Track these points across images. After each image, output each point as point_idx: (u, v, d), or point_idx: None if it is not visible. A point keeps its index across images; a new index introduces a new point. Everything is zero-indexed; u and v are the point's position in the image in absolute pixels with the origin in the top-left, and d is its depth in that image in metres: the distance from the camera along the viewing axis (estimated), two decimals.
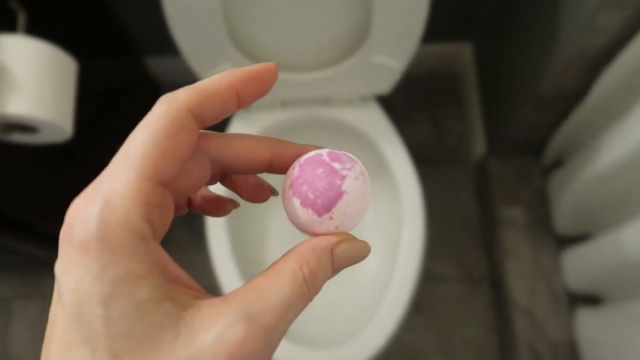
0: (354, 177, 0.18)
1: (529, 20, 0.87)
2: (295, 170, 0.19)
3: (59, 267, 0.15)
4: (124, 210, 0.15)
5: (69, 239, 0.15)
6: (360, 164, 0.19)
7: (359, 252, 0.18)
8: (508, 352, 1.03)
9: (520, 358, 0.97)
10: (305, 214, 0.18)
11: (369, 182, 0.19)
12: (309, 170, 0.18)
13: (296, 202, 0.18)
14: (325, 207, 0.17)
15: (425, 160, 1.22)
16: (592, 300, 0.96)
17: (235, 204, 0.22)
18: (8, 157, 0.69)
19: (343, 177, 0.18)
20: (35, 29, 0.62)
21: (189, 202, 0.22)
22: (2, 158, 0.68)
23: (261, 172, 0.20)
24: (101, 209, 0.14)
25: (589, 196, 0.87)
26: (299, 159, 0.19)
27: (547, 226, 1.04)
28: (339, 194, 0.17)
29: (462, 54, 1.24)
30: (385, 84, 0.81)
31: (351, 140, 0.89)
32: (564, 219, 0.99)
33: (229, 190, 0.22)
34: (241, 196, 0.22)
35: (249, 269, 0.78)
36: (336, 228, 0.18)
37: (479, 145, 1.17)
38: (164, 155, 0.16)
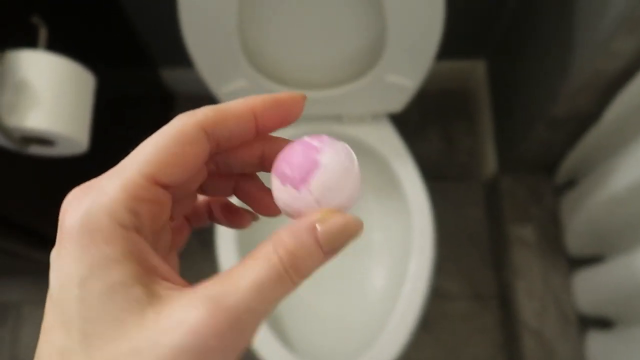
0: (333, 152, 0.17)
1: (544, 40, 0.87)
2: (278, 157, 0.18)
3: (52, 255, 0.16)
4: (109, 199, 0.15)
5: (61, 227, 0.16)
6: (348, 146, 0.18)
7: (349, 228, 0.16)
8: None
9: None
10: (284, 192, 0.17)
11: (356, 164, 0.18)
12: (288, 152, 0.18)
13: (276, 182, 0.18)
14: (302, 179, 0.17)
15: (435, 176, 1.22)
16: (603, 323, 0.95)
17: (254, 217, 0.22)
18: (20, 165, 0.70)
19: (319, 150, 0.17)
20: (55, 42, 0.63)
21: (210, 213, 0.23)
22: (14, 166, 0.69)
23: (256, 169, 0.20)
24: (92, 198, 0.15)
25: (602, 218, 0.86)
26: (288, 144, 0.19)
27: (558, 246, 1.03)
28: (315, 164, 0.17)
29: (475, 71, 1.24)
30: (398, 103, 0.82)
31: (362, 157, 0.89)
32: (575, 240, 0.98)
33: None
34: (254, 209, 0.22)
35: None
36: (318, 203, 0.17)
37: (490, 162, 1.16)
38: (166, 161, 0.16)
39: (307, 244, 0.16)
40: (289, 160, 0.17)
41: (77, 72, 0.60)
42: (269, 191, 0.21)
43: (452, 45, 1.08)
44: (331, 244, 0.16)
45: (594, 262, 0.94)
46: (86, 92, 0.62)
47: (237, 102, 0.18)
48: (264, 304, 0.15)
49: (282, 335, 0.74)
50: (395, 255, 0.84)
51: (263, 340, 0.69)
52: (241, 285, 0.15)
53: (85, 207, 0.15)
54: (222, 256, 0.77)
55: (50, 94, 0.57)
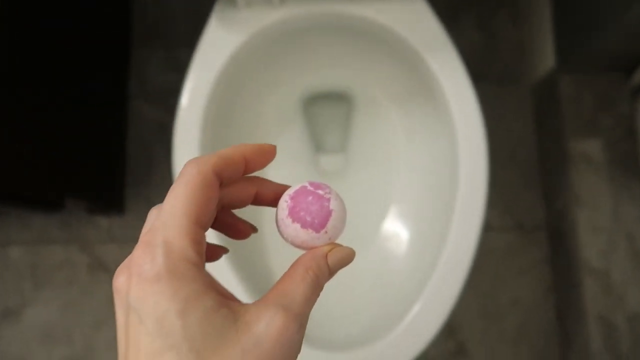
0: (334, 197, 0.23)
1: None
2: (288, 202, 0.23)
3: (135, 299, 0.19)
4: (181, 248, 0.20)
5: (141, 276, 0.19)
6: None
7: (347, 256, 0.23)
8: (571, 320, 0.84)
9: (588, 329, 0.78)
10: (306, 234, 0.22)
11: (342, 199, 0.23)
12: (301, 200, 0.22)
13: (297, 226, 0.22)
14: (321, 225, 0.22)
15: (471, 77, 0.96)
16: None
17: (254, 229, 0.26)
18: None
19: (328, 199, 0.23)
20: None
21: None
22: None
23: (245, 205, 0.24)
24: (164, 249, 0.19)
25: None
26: (286, 193, 0.23)
27: (633, 166, 0.80)
28: (329, 213, 0.22)
29: None
30: None
31: (377, 52, 0.64)
32: None
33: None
34: (228, 234, 0.26)
35: (251, 280, 0.56)
36: (329, 239, 0.23)
37: (544, 59, 0.90)
38: (200, 206, 0.20)
39: (323, 268, 0.22)
40: (306, 209, 0.22)
41: None
42: (240, 220, 0.26)
43: None
44: (335, 268, 0.23)
45: None
46: None
47: (233, 150, 0.22)
48: (309, 312, 0.21)
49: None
50: (432, 187, 0.62)
51: None
52: (297, 298, 0.20)
53: (164, 257, 0.19)
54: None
55: None
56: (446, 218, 0.55)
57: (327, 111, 0.75)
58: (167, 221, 0.20)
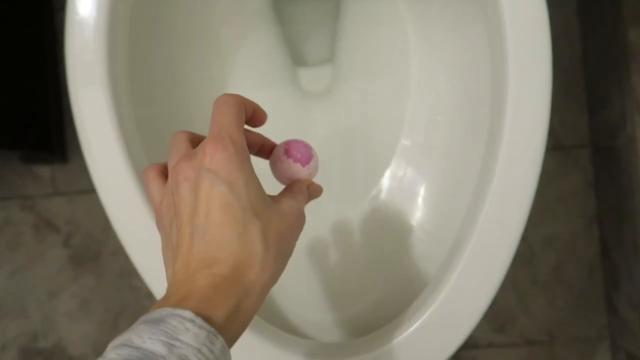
0: (314, 151, 0.32)
1: None
2: (284, 147, 0.31)
3: (209, 171, 0.25)
4: (241, 142, 0.26)
5: (214, 157, 0.25)
6: None
7: (319, 190, 0.32)
8: (620, 256, 0.69)
9: None
10: (295, 167, 0.31)
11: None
12: (294, 146, 0.31)
13: (290, 160, 0.31)
14: (307, 161, 0.31)
15: None
16: None
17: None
18: None
19: (312, 148, 0.32)
20: None
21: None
22: None
23: (250, 154, 0.29)
24: (232, 141, 0.25)
25: None
26: (284, 142, 0.31)
27: None
28: (312, 155, 0.31)
29: None
30: None
31: None
32: None
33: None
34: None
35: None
36: (310, 175, 0.31)
37: None
38: (242, 118, 0.27)
39: (305, 193, 0.30)
40: (298, 150, 0.31)
41: None
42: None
43: None
44: (312, 196, 0.31)
45: None
46: None
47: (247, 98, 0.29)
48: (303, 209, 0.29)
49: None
50: (462, 107, 0.43)
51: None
52: (294, 206, 0.28)
53: (231, 147, 0.25)
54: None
55: None
56: (487, 147, 0.37)
57: (306, 9, 0.54)
58: (226, 125, 0.26)
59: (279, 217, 0.26)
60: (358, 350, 0.37)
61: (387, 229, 0.46)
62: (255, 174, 0.26)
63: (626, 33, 0.63)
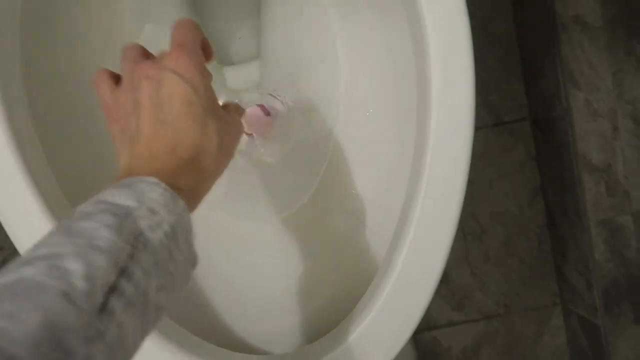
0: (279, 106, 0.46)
1: None
2: (259, 106, 0.45)
3: (176, 74, 0.28)
4: (201, 55, 0.30)
5: (180, 61, 0.28)
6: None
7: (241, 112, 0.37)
8: (565, 225, 0.71)
9: (590, 234, 0.64)
10: (262, 115, 0.43)
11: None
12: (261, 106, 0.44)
13: (258, 109, 0.44)
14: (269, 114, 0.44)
15: None
16: None
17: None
18: None
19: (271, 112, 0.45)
20: None
21: None
22: None
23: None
24: (196, 53, 0.29)
25: None
26: (256, 104, 0.45)
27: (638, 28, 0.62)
28: (268, 116, 0.44)
29: None
30: None
31: None
32: None
33: None
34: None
35: None
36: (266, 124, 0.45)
37: None
38: (201, 36, 0.31)
39: (239, 111, 0.36)
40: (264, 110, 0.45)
41: None
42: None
43: None
44: (239, 114, 0.36)
45: None
46: None
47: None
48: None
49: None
50: (392, 86, 0.42)
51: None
52: (237, 116, 0.35)
53: (195, 57, 0.29)
54: None
55: None
56: (417, 133, 0.36)
57: (227, 4, 0.52)
58: (190, 39, 0.29)
59: (227, 122, 0.30)
60: (315, 355, 0.36)
61: (327, 227, 0.45)
62: (211, 84, 0.30)
63: (553, 4, 0.63)
